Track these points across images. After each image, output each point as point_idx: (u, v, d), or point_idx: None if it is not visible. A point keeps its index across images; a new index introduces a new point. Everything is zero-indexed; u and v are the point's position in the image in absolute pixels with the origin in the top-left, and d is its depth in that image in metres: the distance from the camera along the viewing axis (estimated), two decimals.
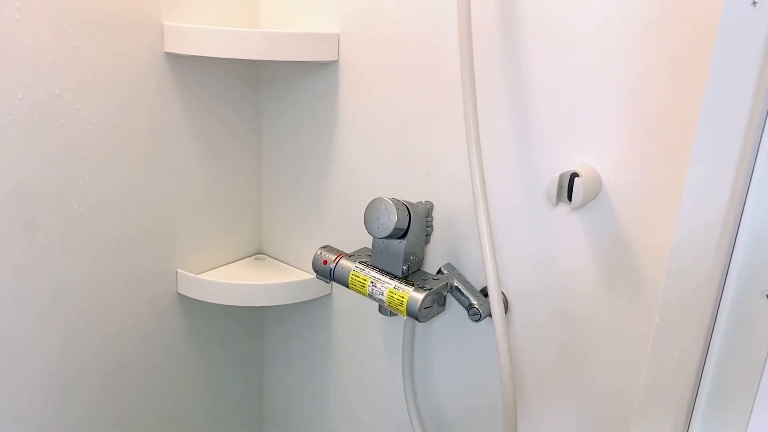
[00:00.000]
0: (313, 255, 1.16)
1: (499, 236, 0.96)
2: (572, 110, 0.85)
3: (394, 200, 0.92)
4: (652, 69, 0.77)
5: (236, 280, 1.20)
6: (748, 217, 0.41)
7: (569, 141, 0.86)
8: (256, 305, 1.19)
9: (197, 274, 1.21)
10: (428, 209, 1.00)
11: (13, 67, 0.88)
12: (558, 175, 0.84)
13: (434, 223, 1.03)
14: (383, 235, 0.91)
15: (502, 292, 0.99)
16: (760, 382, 0.41)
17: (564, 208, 0.89)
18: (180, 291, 1.20)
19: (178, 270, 1.19)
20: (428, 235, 1.02)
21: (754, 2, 0.35)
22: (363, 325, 1.21)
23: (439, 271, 1.01)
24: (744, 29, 0.35)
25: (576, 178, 0.82)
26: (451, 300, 1.02)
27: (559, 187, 0.84)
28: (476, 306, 0.97)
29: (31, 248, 0.97)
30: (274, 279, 1.22)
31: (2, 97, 0.88)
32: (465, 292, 0.99)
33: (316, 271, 1.03)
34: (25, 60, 0.89)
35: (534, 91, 0.87)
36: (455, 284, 0.99)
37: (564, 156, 0.87)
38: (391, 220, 0.90)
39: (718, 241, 0.41)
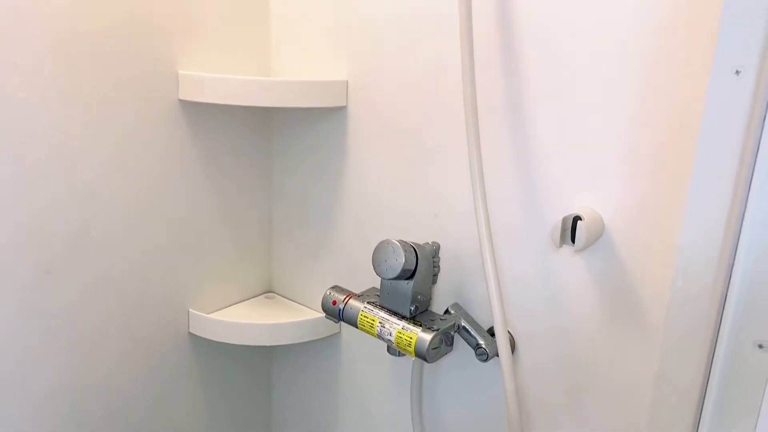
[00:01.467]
0: (322, 294, 1.18)
1: (506, 277, 0.98)
2: (574, 152, 0.87)
3: (401, 242, 0.94)
4: (650, 112, 0.79)
5: (246, 320, 1.22)
6: (740, 266, 0.43)
7: (572, 183, 0.88)
8: (266, 344, 1.21)
9: (208, 313, 1.23)
10: (435, 250, 1.03)
11: (32, 115, 0.92)
12: (561, 218, 0.86)
13: (441, 264, 1.05)
14: (391, 277, 0.94)
15: (509, 332, 1.00)
16: (756, 428, 0.43)
17: (568, 249, 0.91)
18: (192, 331, 1.22)
19: (190, 310, 1.21)
20: (435, 275, 1.04)
21: (737, 72, 0.38)
22: (371, 365, 1.22)
23: (447, 311, 1.03)
24: (729, 96, 0.38)
25: (579, 221, 0.84)
26: (459, 339, 1.03)
27: (563, 230, 0.87)
28: (484, 346, 0.98)
29: (43, 289, 1.00)
30: (283, 318, 1.24)
31: (23, 144, 0.92)
32: (472, 332, 1.00)
33: (325, 311, 1.05)
34: (43, 109, 0.93)
35: (536, 132, 0.90)
36: (463, 324, 1.00)
37: (567, 198, 0.89)
38: (398, 261, 0.93)
39: (711, 293, 0.43)
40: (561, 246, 0.89)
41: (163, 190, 1.11)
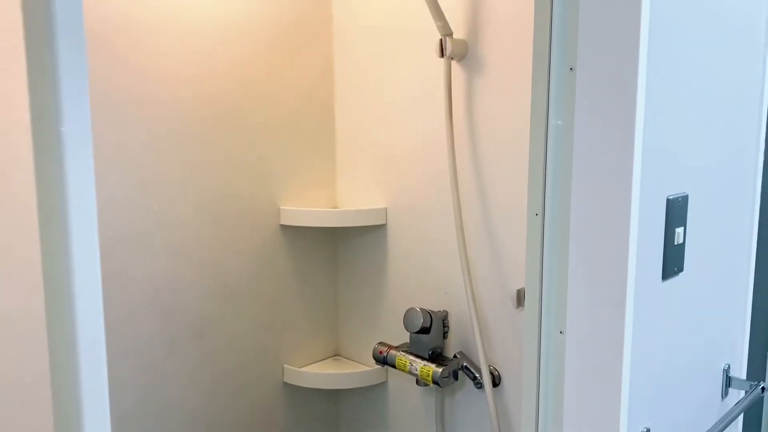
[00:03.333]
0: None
1: (490, 330, 1.51)
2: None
3: (421, 309, 1.50)
4: None
5: (323, 371, 1.77)
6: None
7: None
8: (337, 388, 1.75)
9: (298, 368, 1.80)
10: (445, 315, 1.57)
11: (197, 239, 1.55)
12: (516, 289, 1.40)
13: (451, 324, 1.59)
14: (414, 331, 1.48)
15: (496, 369, 1.51)
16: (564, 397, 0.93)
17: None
18: (285, 380, 1.78)
19: (285, 365, 1.78)
20: (446, 332, 1.58)
21: (536, 214, 0.93)
22: (409, 400, 1.73)
23: (455, 356, 1.55)
24: (533, 232, 0.94)
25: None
26: (466, 377, 1.55)
27: (518, 297, 1.40)
28: (479, 379, 1.50)
29: (198, 346, 1.59)
30: (347, 370, 1.78)
31: (185, 253, 1.55)
32: (471, 370, 1.52)
33: (374, 358, 1.59)
34: (202, 238, 1.56)
35: (499, 235, 1.46)
36: (464, 364, 1.53)
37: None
38: (418, 321, 1.48)
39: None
40: (518, 308, 1.42)
41: (268, 282, 1.71)
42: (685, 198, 1.01)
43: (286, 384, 1.79)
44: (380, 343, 1.61)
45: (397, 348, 1.58)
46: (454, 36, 1.46)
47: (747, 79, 1.17)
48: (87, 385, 0.58)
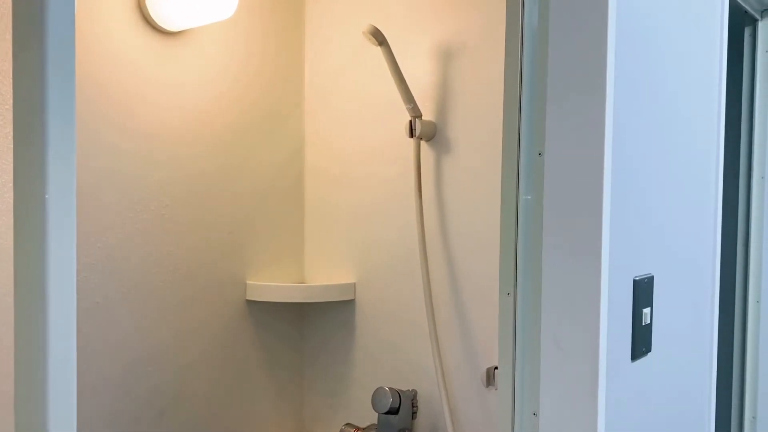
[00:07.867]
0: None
1: (460, 409, 1.48)
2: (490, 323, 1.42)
3: (390, 388, 1.47)
4: None
5: None
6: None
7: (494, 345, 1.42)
8: None
9: None
10: (414, 394, 1.54)
11: (155, 325, 1.51)
12: (485, 368, 1.39)
13: (420, 405, 1.56)
14: (383, 412, 1.45)
15: None
16: None
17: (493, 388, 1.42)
18: None
19: None
20: (415, 413, 1.54)
21: (507, 293, 0.95)
22: None
23: None
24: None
25: (495, 370, 1.37)
26: None
27: (488, 376, 1.39)
28: None
29: (159, 427, 1.51)
30: None
31: (152, 328, 1.50)
32: None
33: None
34: (163, 324, 1.52)
35: (468, 313, 1.46)
36: None
37: (493, 353, 1.43)
38: (387, 401, 1.45)
39: None
40: (488, 387, 1.40)
41: (232, 358, 1.66)
42: (651, 278, 1.04)
43: None
44: (347, 424, 1.56)
45: (364, 429, 1.54)
46: (423, 118, 1.51)
47: (704, 161, 1.24)
48: None
